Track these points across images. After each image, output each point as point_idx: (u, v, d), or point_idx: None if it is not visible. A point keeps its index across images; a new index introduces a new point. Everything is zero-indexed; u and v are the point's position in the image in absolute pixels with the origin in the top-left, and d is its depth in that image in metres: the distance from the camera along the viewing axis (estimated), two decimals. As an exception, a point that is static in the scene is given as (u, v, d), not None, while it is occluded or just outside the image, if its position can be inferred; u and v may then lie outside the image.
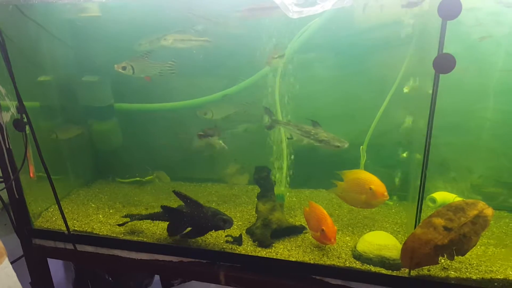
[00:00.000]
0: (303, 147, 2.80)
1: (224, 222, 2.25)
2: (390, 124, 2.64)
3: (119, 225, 2.56)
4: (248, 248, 2.35)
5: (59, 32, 2.87)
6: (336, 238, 2.15)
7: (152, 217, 2.46)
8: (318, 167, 2.95)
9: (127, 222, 2.54)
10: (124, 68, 2.46)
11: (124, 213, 2.60)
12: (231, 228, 2.26)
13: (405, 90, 2.49)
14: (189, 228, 2.36)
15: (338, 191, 2.35)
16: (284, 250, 2.30)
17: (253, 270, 2.30)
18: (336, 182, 2.36)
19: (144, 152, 2.80)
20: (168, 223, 2.43)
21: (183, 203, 2.34)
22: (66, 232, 2.48)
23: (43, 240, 2.66)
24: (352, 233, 2.48)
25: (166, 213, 2.40)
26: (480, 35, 2.36)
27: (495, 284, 1.96)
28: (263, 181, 2.53)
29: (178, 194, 2.32)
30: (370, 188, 2.12)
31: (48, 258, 2.81)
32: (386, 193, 2.10)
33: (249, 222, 2.61)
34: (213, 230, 2.34)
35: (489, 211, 1.84)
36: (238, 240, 2.39)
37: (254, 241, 2.39)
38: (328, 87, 2.80)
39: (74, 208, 2.88)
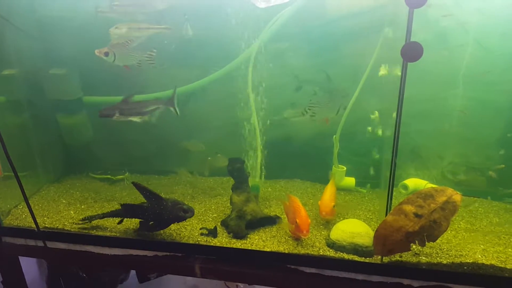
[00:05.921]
0: (277, 138, 2.80)
1: (184, 212, 2.21)
2: (362, 112, 2.65)
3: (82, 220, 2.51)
4: (223, 240, 2.34)
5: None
6: (310, 227, 2.17)
7: (114, 214, 2.41)
8: (292, 157, 2.96)
9: (88, 220, 2.49)
10: (106, 54, 2.25)
11: (96, 209, 2.53)
12: (207, 220, 2.23)
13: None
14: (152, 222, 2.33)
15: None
16: (259, 241, 2.30)
17: (228, 262, 2.29)
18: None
19: (115, 146, 2.72)
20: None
21: (143, 196, 2.29)
22: (36, 229, 2.42)
23: (13, 238, 2.58)
24: (326, 222, 2.50)
25: (127, 210, 2.36)
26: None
27: (465, 268, 2.01)
28: (237, 172, 2.51)
29: (137, 186, 2.26)
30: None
31: (20, 256, 2.74)
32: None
33: (224, 214, 2.60)
34: (176, 222, 2.30)
35: (457, 196, 1.87)
36: (213, 233, 2.37)
37: (229, 233, 2.38)
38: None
39: (44, 205, 2.81)
